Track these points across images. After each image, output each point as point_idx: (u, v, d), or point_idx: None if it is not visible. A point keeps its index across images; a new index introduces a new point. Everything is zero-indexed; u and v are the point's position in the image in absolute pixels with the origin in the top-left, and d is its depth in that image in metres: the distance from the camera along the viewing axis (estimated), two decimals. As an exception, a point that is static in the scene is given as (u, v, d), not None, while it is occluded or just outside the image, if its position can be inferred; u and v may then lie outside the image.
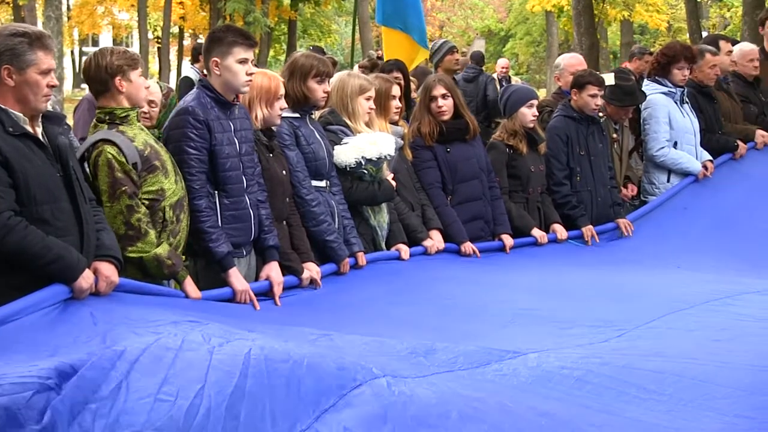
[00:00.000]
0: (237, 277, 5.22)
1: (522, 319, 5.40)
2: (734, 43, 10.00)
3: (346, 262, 5.97)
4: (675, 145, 8.35)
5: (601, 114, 8.07)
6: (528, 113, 7.44)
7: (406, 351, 4.29)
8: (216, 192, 5.32)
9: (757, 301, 5.80)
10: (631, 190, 8.54)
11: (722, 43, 9.42)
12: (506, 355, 4.38)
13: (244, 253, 5.51)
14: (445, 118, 7.06)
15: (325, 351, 3.90)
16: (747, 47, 9.82)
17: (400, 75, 7.88)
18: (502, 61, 19.30)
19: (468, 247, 6.85)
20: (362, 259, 6.10)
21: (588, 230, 7.60)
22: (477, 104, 10.77)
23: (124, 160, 4.85)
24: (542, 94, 24.81)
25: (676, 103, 8.38)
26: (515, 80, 19.04)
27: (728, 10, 38.31)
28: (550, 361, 4.33)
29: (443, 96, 7.06)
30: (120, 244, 4.69)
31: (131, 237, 4.83)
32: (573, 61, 8.80)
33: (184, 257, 5.16)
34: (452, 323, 5.33)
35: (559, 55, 10.97)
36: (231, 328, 3.91)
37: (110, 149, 4.84)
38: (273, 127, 5.79)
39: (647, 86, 8.52)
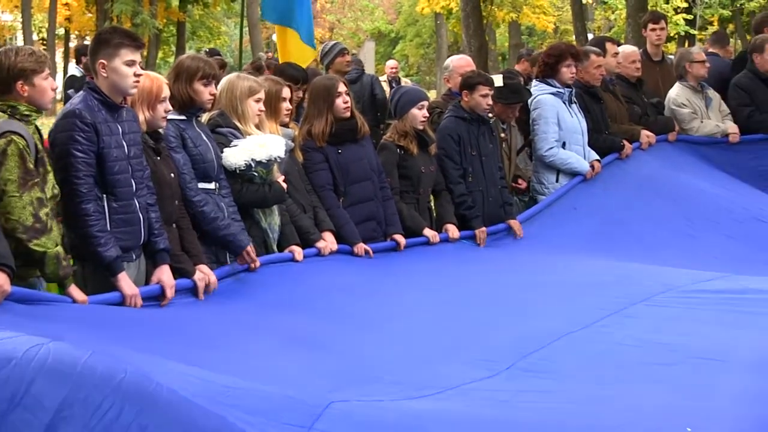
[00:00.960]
0: (126, 282, 5.12)
1: (401, 345, 5.28)
2: (619, 44, 10.18)
3: (250, 248, 5.89)
4: (564, 145, 8.46)
5: (491, 114, 8.14)
6: (419, 114, 7.46)
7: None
8: (104, 196, 5.21)
9: (643, 314, 5.87)
10: (521, 184, 8.63)
11: (608, 45, 9.57)
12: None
13: (134, 257, 5.40)
14: (348, 115, 7.06)
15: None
16: (629, 49, 10.01)
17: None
18: (391, 63, 19.38)
19: (361, 248, 6.84)
20: (255, 261, 6.05)
21: (481, 232, 7.65)
22: (363, 104, 10.77)
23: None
24: (432, 95, 24.95)
25: (564, 103, 8.50)
26: (405, 82, 19.12)
27: (613, 13, 38.99)
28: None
29: (347, 93, 7.07)
30: (26, 235, 4.59)
31: (38, 230, 4.68)
32: (462, 62, 8.86)
33: (72, 261, 5.06)
34: (341, 338, 5.31)
35: (449, 56, 11.03)
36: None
37: (20, 140, 4.71)
38: (159, 130, 5.71)
39: (536, 87, 8.63)
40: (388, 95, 13.69)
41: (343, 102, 7.03)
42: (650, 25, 10.77)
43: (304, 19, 10.73)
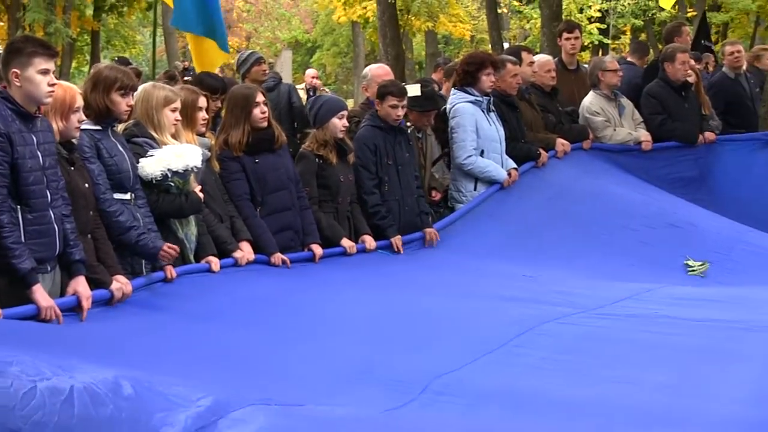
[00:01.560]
0: (41, 294, 5.03)
1: (315, 363, 5.19)
2: (535, 54, 10.30)
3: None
4: (482, 153, 8.52)
5: (408, 123, 8.17)
6: (338, 124, 7.46)
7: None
8: (18, 207, 5.11)
9: (555, 332, 5.89)
10: (435, 196, 8.68)
11: (524, 54, 9.66)
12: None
13: (49, 269, 5.30)
14: (265, 125, 7.03)
15: None
16: (544, 58, 10.14)
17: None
18: (310, 71, 19.40)
19: (278, 257, 6.82)
20: (171, 272, 5.99)
21: (396, 240, 7.67)
22: (280, 113, 10.74)
23: None
24: (350, 104, 24.97)
25: (482, 111, 8.55)
26: (323, 90, 19.12)
27: (528, 22, 39.41)
28: None
29: (264, 103, 7.04)
30: None
31: None
32: (380, 71, 8.87)
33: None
34: (256, 350, 5.28)
35: (366, 65, 11.09)
36: None
37: None
38: (73, 140, 5.63)
39: (454, 95, 8.67)
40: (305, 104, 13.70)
41: (260, 112, 7.00)
42: (565, 35, 10.93)
43: (216, 24, 10.68)
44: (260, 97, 7.05)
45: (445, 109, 8.73)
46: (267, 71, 11.49)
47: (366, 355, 5.30)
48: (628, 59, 11.56)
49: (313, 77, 18.63)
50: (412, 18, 33.63)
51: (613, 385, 4.92)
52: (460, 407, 4.59)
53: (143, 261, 5.99)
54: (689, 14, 41.68)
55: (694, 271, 8.31)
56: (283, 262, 6.84)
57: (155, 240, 5.86)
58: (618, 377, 5.03)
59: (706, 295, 7.11)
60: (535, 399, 4.74)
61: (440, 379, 4.94)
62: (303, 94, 15.14)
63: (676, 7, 43.65)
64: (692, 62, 10.64)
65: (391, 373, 5.00)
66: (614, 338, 5.86)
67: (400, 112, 7.83)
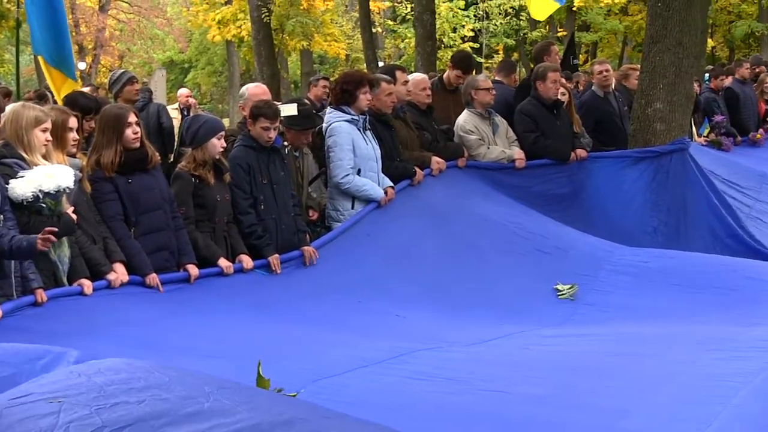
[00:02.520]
0: None
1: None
2: (409, 73, 10.37)
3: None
4: (359, 172, 8.53)
5: (285, 143, 8.15)
6: (217, 144, 7.42)
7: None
8: None
9: (428, 355, 6.02)
10: (312, 215, 8.67)
11: (398, 73, 9.71)
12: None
13: None
14: (138, 145, 6.93)
15: None
16: (419, 77, 10.22)
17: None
18: (183, 91, 19.17)
19: (153, 279, 6.72)
20: (41, 295, 5.85)
21: (274, 260, 7.63)
22: (149, 133, 10.63)
23: None
24: (226, 123, 24.82)
25: (359, 130, 8.56)
26: (198, 110, 18.94)
27: (402, 41, 39.84)
28: None
29: (137, 123, 6.94)
30: None
31: None
32: (257, 90, 8.82)
33: None
34: None
35: (242, 84, 11.04)
36: None
37: None
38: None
39: (330, 114, 8.67)
40: (179, 123, 13.58)
41: (132, 132, 6.91)
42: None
43: (63, 51, 10.66)
44: (133, 118, 6.96)
45: (322, 128, 8.73)
46: (138, 91, 11.36)
47: (237, 367, 5.27)
48: (496, 78, 11.73)
49: (187, 96, 18.43)
50: (287, 37, 33.66)
51: (486, 394, 5.01)
52: (340, 406, 4.62)
53: (13, 283, 5.83)
54: (559, 34, 42.64)
55: (563, 294, 8.44)
56: (157, 285, 6.74)
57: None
58: (492, 388, 5.12)
59: (575, 332, 7.29)
60: (413, 403, 4.82)
61: (317, 383, 4.98)
62: (177, 114, 14.96)
63: (547, 26, 44.66)
64: (563, 81, 10.85)
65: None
66: (488, 360, 5.97)
67: (272, 134, 7.79)
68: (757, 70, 15.58)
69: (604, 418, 4.91)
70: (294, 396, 3.95)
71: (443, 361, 5.90)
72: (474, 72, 12.95)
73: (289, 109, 8.20)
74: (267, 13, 27.90)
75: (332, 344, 6.13)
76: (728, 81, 14.80)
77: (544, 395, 5.23)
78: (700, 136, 13.62)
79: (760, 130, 14.51)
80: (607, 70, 11.70)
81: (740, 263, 8.95)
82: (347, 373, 5.35)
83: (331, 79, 14.10)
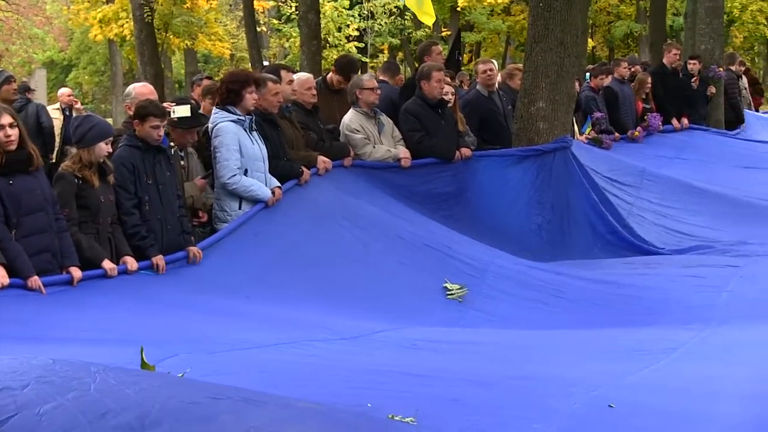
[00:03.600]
0: None
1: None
2: (294, 72, 10.36)
3: None
4: (246, 172, 8.49)
5: (172, 144, 8.08)
6: (105, 148, 7.34)
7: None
8: None
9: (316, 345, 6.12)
10: (203, 216, 8.61)
11: (283, 73, 9.69)
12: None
13: None
14: (13, 147, 6.77)
15: None
16: (304, 77, 10.21)
17: None
18: (64, 90, 18.77)
19: (34, 282, 6.59)
20: None
21: (158, 260, 7.55)
22: (29, 132, 10.46)
23: None
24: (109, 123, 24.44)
25: (245, 130, 8.51)
26: (80, 110, 18.60)
27: (287, 41, 39.70)
28: None
29: (11, 125, 6.77)
30: None
31: None
32: (144, 90, 8.71)
33: None
34: None
35: (125, 84, 10.91)
36: None
37: None
38: None
39: (216, 114, 8.60)
40: (60, 123, 13.34)
41: (4, 135, 6.74)
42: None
43: None
44: (5, 120, 6.78)
45: (208, 127, 8.67)
46: (16, 90, 11.14)
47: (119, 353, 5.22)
48: (381, 78, 11.79)
49: (68, 96, 18.09)
50: (171, 36, 33.26)
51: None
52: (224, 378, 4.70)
53: None
54: (444, 33, 43.02)
55: (452, 294, 8.53)
56: (39, 287, 6.62)
57: None
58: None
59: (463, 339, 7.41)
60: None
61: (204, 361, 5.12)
62: (58, 114, 14.67)
63: (432, 26, 44.97)
64: (448, 80, 10.96)
65: None
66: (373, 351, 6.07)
67: (161, 132, 7.73)
68: (633, 69, 15.96)
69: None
70: (181, 376, 3.93)
71: (330, 352, 5.97)
72: (359, 72, 13.02)
73: (182, 111, 8.15)
74: (149, 12, 27.55)
75: (218, 330, 6.16)
76: (608, 80, 15.13)
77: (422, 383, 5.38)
78: (581, 134, 13.89)
79: (638, 128, 14.87)
80: (491, 69, 11.86)
81: (617, 276, 9.32)
82: (234, 351, 5.44)
83: (216, 78, 14.01)
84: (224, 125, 8.47)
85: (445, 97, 10.61)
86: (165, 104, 8.43)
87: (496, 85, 12.02)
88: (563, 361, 6.21)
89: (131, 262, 7.40)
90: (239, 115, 8.52)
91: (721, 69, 16.73)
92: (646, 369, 5.88)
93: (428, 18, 16.28)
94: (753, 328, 7.24)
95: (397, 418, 4.18)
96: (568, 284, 8.95)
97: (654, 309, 8.28)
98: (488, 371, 5.84)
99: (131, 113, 8.38)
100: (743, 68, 19.85)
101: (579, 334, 7.48)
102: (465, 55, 43.57)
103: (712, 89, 16.48)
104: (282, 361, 5.59)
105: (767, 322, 7.37)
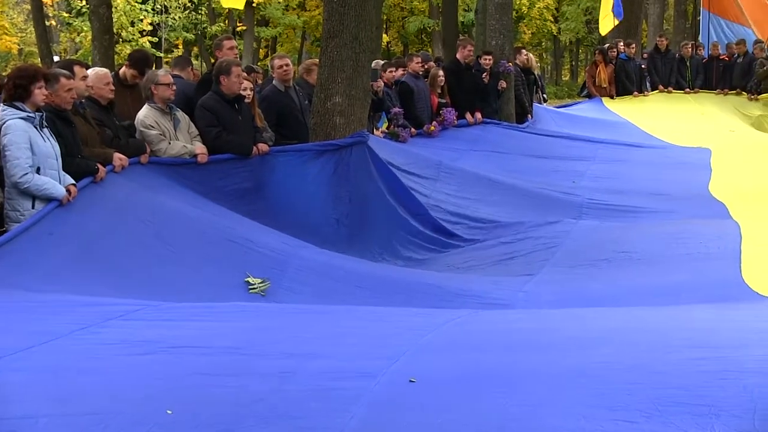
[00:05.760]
0: None
1: None
2: (88, 67, 10.17)
3: None
4: (38, 170, 8.28)
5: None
6: None
7: None
8: None
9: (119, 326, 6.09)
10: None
11: (76, 68, 9.49)
12: None
13: None
14: None
15: None
16: (102, 71, 10.03)
17: None
18: None
19: None
20: None
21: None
22: None
23: None
24: None
25: (35, 128, 8.29)
26: None
27: (78, 35, 38.75)
28: None
29: None
30: None
31: None
32: None
33: None
34: None
35: None
36: None
37: None
38: None
39: (5, 111, 8.36)
40: None
41: None
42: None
43: None
44: None
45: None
46: None
47: None
48: (174, 73, 11.69)
49: None
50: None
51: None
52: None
53: None
54: (239, 28, 42.88)
55: (254, 289, 8.56)
56: None
57: None
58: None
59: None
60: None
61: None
62: None
63: (227, 21, 44.79)
64: (245, 75, 10.97)
65: None
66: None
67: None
68: (426, 66, 16.32)
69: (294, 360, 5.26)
70: None
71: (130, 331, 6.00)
72: (154, 67, 12.86)
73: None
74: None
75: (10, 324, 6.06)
76: (398, 74, 15.39)
77: (233, 346, 5.58)
78: (378, 129, 14.12)
79: (434, 123, 15.22)
80: (287, 65, 11.93)
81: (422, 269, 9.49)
82: (33, 347, 5.41)
83: (3, 74, 13.58)
84: (13, 122, 8.23)
85: (243, 93, 10.62)
86: None
87: (292, 80, 12.09)
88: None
89: None
90: (29, 112, 8.29)
91: (510, 64, 17.29)
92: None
93: (238, 3, 16.21)
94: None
95: None
96: (371, 275, 9.11)
97: (455, 299, 8.50)
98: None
99: None
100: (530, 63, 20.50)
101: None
102: (261, 50, 43.54)
103: (503, 84, 17.02)
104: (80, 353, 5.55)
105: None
